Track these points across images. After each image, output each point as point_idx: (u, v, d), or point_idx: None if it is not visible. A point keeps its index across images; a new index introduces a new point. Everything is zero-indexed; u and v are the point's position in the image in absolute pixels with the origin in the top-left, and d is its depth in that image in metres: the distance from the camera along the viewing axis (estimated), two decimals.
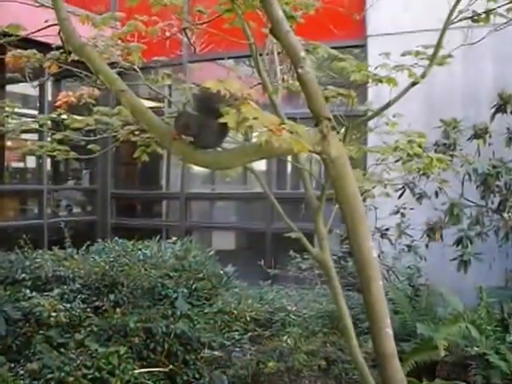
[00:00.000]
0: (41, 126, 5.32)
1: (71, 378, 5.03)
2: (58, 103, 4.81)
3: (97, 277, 6.51)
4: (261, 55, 4.03)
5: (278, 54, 4.78)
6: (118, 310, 6.11)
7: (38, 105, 10.92)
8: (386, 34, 8.76)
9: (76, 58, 3.80)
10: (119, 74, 3.12)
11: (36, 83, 5.65)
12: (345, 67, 3.36)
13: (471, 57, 7.30)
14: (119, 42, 4.39)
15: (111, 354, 5.25)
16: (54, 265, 6.84)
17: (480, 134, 7.24)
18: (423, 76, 3.34)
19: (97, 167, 11.93)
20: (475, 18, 3.35)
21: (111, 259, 6.82)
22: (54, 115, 5.09)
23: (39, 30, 3.96)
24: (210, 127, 2.76)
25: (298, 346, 5.81)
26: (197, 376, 5.79)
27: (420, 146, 4.22)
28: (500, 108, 7.35)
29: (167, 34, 4.84)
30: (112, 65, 3.31)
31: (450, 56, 3.53)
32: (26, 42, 4.50)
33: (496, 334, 5.74)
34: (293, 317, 6.50)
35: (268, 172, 10.52)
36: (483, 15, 3.36)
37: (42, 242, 9.97)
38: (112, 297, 6.29)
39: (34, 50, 4.45)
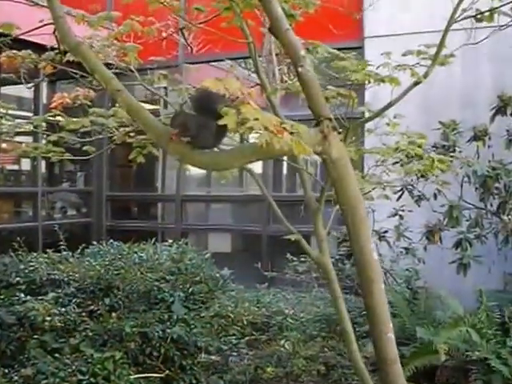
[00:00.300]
0: (35, 127, 5.26)
1: None
2: (53, 105, 4.75)
3: (92, 280, 6.42)
4: (259, 56, 3.98)
5: (277, 55, 4.74)
6: (113, 314, 6.02)
7: (32, 107, 10.83)
8: (382, 36, 8.72)
9: (71, 58, 3.74)
10: (115, 75, 3.05)
11: (31, 84, 5.58)
12: (346, 66, 3.30)
13: (470, 58, 7.26)
14: (115, 42, 4.34)
15: (107, 360, 5.16)
16: (48, 268, 6.75)
17: (480, 135, 7.20)
18: (426, 76, 3.29)
19: (92, 169, 11.84)
20: (479, 17, 3.30)
21: (106, 262, 6.73)
22: (48, 117, 5.03)
23: (34, 30, 3.90)
24: (208, 127, 2.69)
25: (296, 351, 5.76)
26: (194, 382, 5.71)
27: (420, 147, 4.18)
28: (500, 110, 7.32)
29: (163, 34, 4.80)
30: (108, 66, 3.24)
31: (452, 56, 3.49)
32: (21, 43, 4.44)
33: (497, 337, 5.69)
34: (290, 320, 6.45)
35: (264, 174, 10.46)
36: (487, 14, 3.30)
37: (37, 244, 9.85)
38: (107, 301, 6.20)
39: (29, 51, 4.40)
